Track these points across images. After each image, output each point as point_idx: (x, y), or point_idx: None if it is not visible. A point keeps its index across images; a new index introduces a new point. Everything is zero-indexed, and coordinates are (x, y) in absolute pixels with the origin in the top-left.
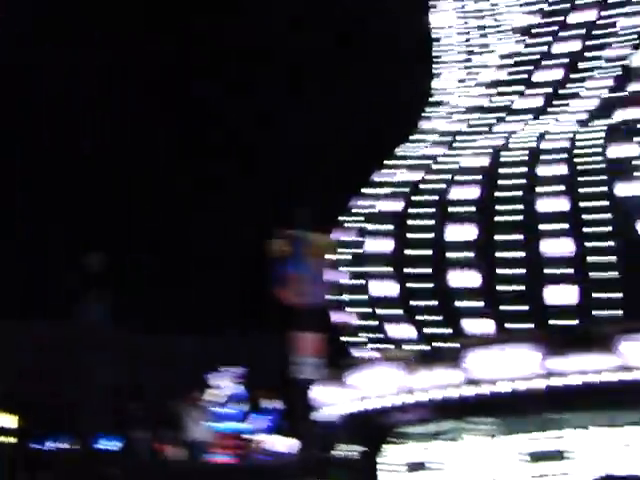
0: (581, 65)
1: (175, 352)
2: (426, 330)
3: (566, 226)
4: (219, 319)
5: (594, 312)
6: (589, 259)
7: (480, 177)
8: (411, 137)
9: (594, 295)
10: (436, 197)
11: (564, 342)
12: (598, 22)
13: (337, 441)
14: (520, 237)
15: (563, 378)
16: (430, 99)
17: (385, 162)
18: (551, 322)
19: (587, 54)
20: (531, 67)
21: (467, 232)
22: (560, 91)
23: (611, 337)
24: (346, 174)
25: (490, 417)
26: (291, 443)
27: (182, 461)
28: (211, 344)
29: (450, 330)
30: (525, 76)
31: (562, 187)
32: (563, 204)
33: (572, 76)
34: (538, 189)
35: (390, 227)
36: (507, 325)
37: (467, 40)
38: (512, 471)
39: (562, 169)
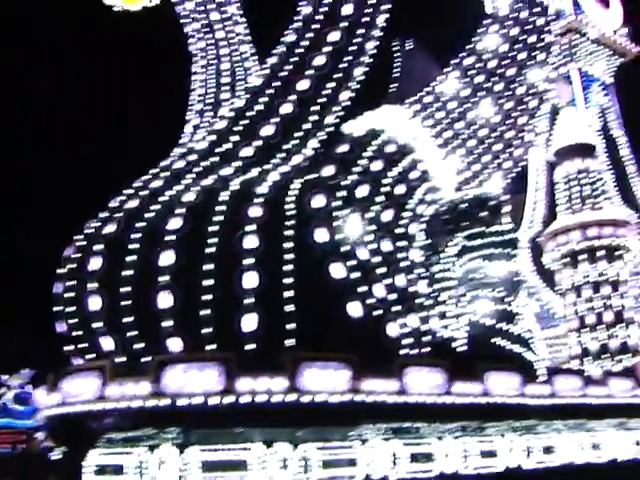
0: (294, 125)
1: None
2: (126, 344)
3: (254, 261)
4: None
5: (273, 340)
6: (272, 293)
7: (189, 211)
8: (150, 171)
9: (274, 325)
10: (149, 225)
11: (246, 364)
12: (312, 92)
13: (53, 443)
14: (215, 268)
15: (242, 396)
16: (179, 140)
17: (124, 190)
18: (236, 346)
19: (301, 117)
20: (254, 122)
21: (169, 258)
22: (275, 146)
23: (288, 362)
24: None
25: (181, 428)
26: None
27: None
28: None
29: (147, 346)
30: (248, 130)
31: (255, 227)
32: (255, 242)
33: (286, 134)
34: (237, 227)
35: (105, 248)
36: (197, 345)
37: (210, 93)
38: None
39: (260, 212)
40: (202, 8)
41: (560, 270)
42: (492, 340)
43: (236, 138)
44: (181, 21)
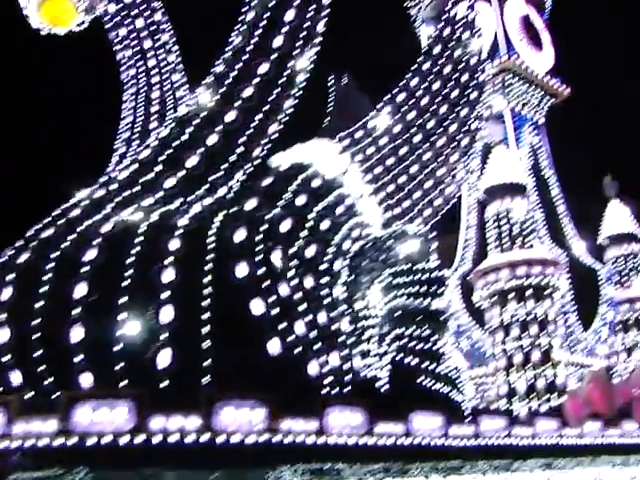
0: (220, 157)
1: None
2: (35, 379)
3: (170, 295)
4: None
5: (188, 377)
6: (189, 328)
7: (105, 242)
8: (72, 200)
9: (190, 361)
10: (63, 255)
11: (159, 402)
12: (239, 123)
13: None
14: (130, 301)
15: (155, 436)
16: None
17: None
18: (150, 383)
19: (228, 149)
20: (178, 153)
21: (82, 290)
22: (199, 177)
23: (203, 401)
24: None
25: (89, 468)
26: None
27: None
28: None
29: (57, 381)
30: (173, 160)
31: (173, 260)
32: (172, 275)
33: (211, 165)
34: (154, 259)
35: (16, 277)
36: (109, 381)
37: (139, 122)
38: None
39: (179, 244)
40: (135, 35)
41: (489, 308)
42: (417, 380)
43: (160, 168)
44: (113, 48)
